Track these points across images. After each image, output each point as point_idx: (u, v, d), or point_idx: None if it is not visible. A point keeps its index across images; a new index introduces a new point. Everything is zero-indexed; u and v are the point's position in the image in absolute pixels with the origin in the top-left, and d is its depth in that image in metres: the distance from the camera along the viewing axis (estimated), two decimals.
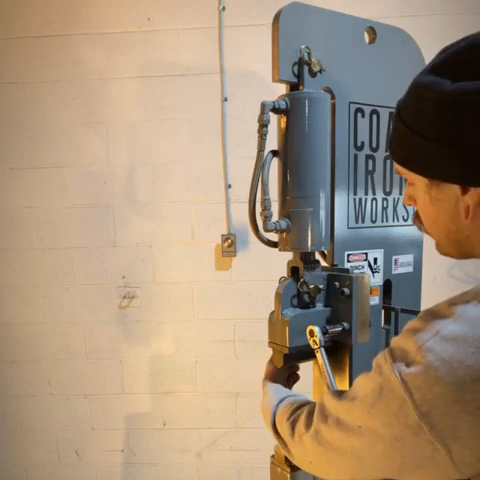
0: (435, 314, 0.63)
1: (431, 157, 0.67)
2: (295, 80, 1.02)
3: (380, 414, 0.63)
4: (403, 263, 1.28)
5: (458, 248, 0.75)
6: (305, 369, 1.19)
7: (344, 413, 0.70)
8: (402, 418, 0.60)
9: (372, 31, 1.15)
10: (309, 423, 0.79)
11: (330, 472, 0.78)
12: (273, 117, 1.02)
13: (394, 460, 0.64)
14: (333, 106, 1.08)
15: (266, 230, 1.03)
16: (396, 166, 0.76)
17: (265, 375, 1.14)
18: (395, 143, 0.75)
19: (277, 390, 1.06)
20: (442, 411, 0.57)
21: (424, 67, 0.69)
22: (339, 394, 0.75)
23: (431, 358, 0.58)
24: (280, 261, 1.16)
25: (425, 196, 0.72)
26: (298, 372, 1.19)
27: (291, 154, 1.02)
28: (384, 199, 1.23)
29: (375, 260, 1.22)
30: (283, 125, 1.03)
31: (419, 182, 0.72)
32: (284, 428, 0.88)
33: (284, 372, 1.14)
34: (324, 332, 0.99)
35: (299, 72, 1.01)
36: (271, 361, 1.15)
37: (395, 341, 0.66)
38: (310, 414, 0.81)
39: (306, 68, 1.00)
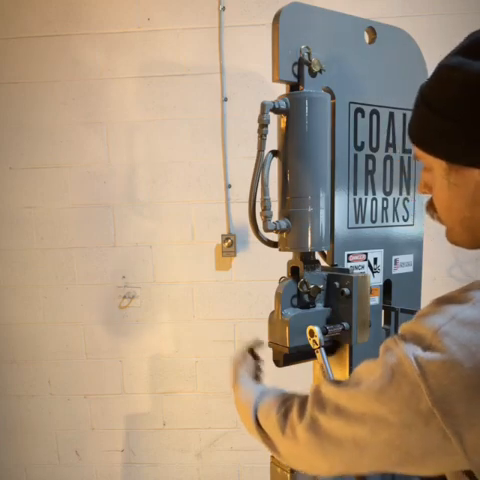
0: (449, 300, 0.62)
1: (453, 140, 0.66)
2: (295, 80, 1.02)
3: (390, 399, 0.60)
4: (403, 263, 1.28)
5: (471, 235, 0.73)
6: (305, 369, 1.19)
7: (346, 400, 0.67)
8: (413, 404, 0.58)
9: (372, 31, 1.15)
10: (302, 413, 0.75)
11: (322, 466, 0.73)
12: (273, 117, 1.02)
13: (398, 449, 0.61)
14: (333, 106, 1.08)
15: (266, 230, 1.03)
16: (415, 150, 0.74)
17: (234, 374, 1.07)
18: (416, 126, 0.74)
19: (254, 384, 1.00)
20: (458, 397, 0.55)
21: (449, 52, 0.68)
22: (337, 382, 0.72)
23: (448, 342, 0.56)
24: (280, 261, 1.16)
25: (443, 181, 0.71)
26: (263, 369, 1.13)
27: (291, 154, 1.02)
28: (384, 199, 1.23)
29: (375, 260, 1.22)
30: (283, 125, 1.03)
31: (438, 166, 0.71)
32: (271, 422, 0.83)
33: (252, 368, 1.09)
34: (324, 332, 0.99)
35: (299, 72, 1.01)
36: (239, 362, 1.09)
37: (405, 327, 0.64)
38: (303, 404, 0.76)
39: (306, 68, 1.00)
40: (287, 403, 0.82)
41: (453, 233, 0.77)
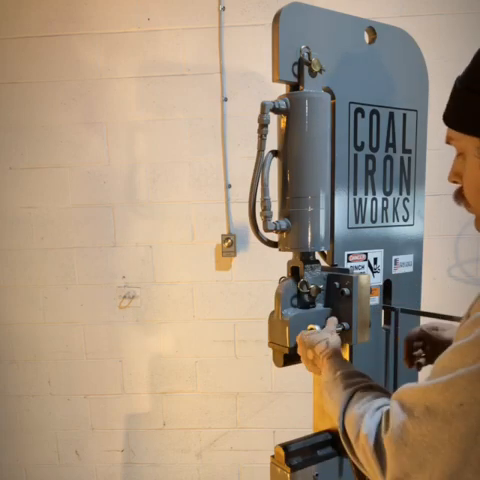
0: None
1: None
2: (295, 80, 1.02)
3: None
4: (403, 263, 1.28)
5: None
6: (305, 369, 1.19)
7: (436, 397, 0.61)
8: None
9: (372, 31, 1.15)
10: (387, 425, 0.67)
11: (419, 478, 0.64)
12: (273, 117, 1.02)
13: None
14: (333, 106, 1.08)
15: (266, 230, 1.03)
16: (449, 133, 0.77)
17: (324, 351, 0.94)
18: (451, 108, 0.76)
19: (347, 381, 0.85)
20: None
21: None
22: (417, 384, 0.66)
23: None
24: (280, 261, 1.16)
25: (475, 161, 0.72)
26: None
27: (291, 154, 1.02)
28: (384, 199, 1.23)
29: (375, 260, 1.22)
30: (283, 125, 1.03)
31: (471, 147, 0.72)
32: (360, 443, 0.73)
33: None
34: None
35: (299, 72, 1.01)
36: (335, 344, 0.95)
37: None
38: (387, 415, 0.69)
39: (306, 68, 1.00)
40: (374, 419, 0.72)
41: None
